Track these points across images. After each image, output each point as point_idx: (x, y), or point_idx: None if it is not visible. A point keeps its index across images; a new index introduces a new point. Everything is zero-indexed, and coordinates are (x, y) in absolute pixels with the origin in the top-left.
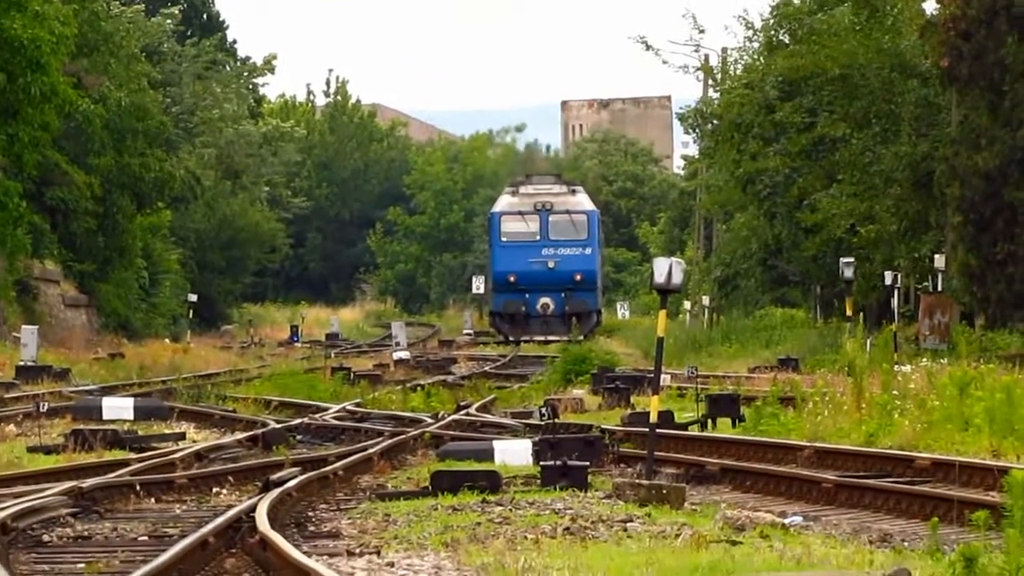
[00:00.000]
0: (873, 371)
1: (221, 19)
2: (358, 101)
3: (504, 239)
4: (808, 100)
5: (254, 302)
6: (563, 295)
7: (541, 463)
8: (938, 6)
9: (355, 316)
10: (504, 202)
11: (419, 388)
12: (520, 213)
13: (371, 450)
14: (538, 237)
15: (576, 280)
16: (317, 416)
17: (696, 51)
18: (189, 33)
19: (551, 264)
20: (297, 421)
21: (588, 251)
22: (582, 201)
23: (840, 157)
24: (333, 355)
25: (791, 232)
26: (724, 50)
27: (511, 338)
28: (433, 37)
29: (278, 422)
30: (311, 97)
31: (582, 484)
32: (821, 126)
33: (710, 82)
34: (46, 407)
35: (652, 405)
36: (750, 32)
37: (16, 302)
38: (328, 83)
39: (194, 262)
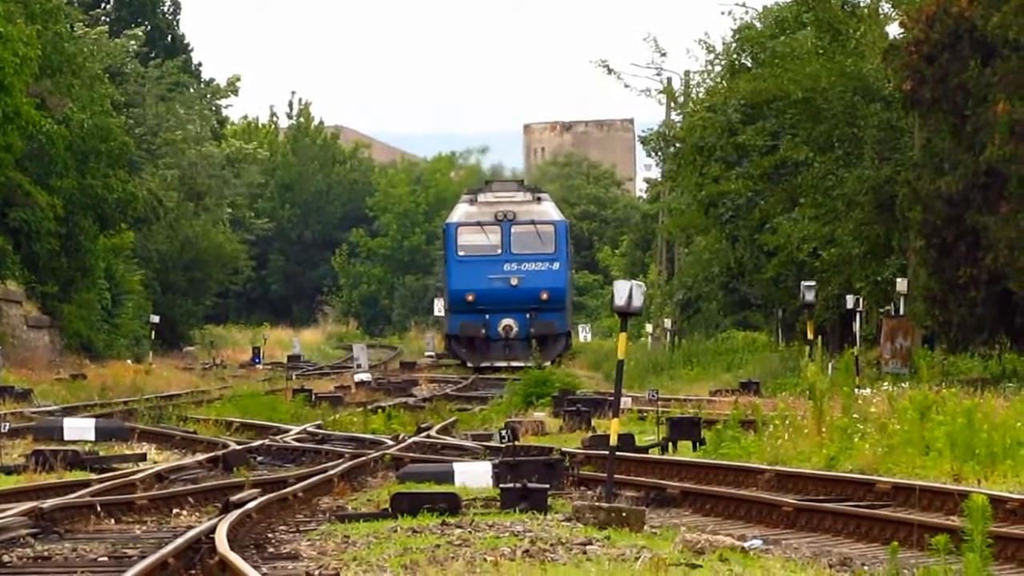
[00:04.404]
0: (834, 395)
1: (185, 41)
2: (321, 123)
3: (461, 253)
4: (770, 123)
5: (216, 323)
6: (528, 316)
7: (501, 485)
8: (901, 30)
9: (317, 338)
10: (461, 212)
11: (380, 410)
12: (479, 224)
13: (331, 472)
14: (499, 251)
15: (542, 299)
16: (278, 438)
17: (658, 74)
18: (153, 55)
19: (514, 281)
20: (258, 443)
21: (556, 266)
22: (548, 210)
23: (802, 180)
24: (294, 377)
25: (753, 255)
26: (686, 73)
27: (469, 364)
28: (396, 60)
29: (239, 443)
30: (274, 119)
31: (542, 507)
32: (783, 149)
33: (672, 105)
34: (7, 427)
35: (612, 428)
36: (712, 55)
37: None
38: (291, 105)
39: (157, 283)
